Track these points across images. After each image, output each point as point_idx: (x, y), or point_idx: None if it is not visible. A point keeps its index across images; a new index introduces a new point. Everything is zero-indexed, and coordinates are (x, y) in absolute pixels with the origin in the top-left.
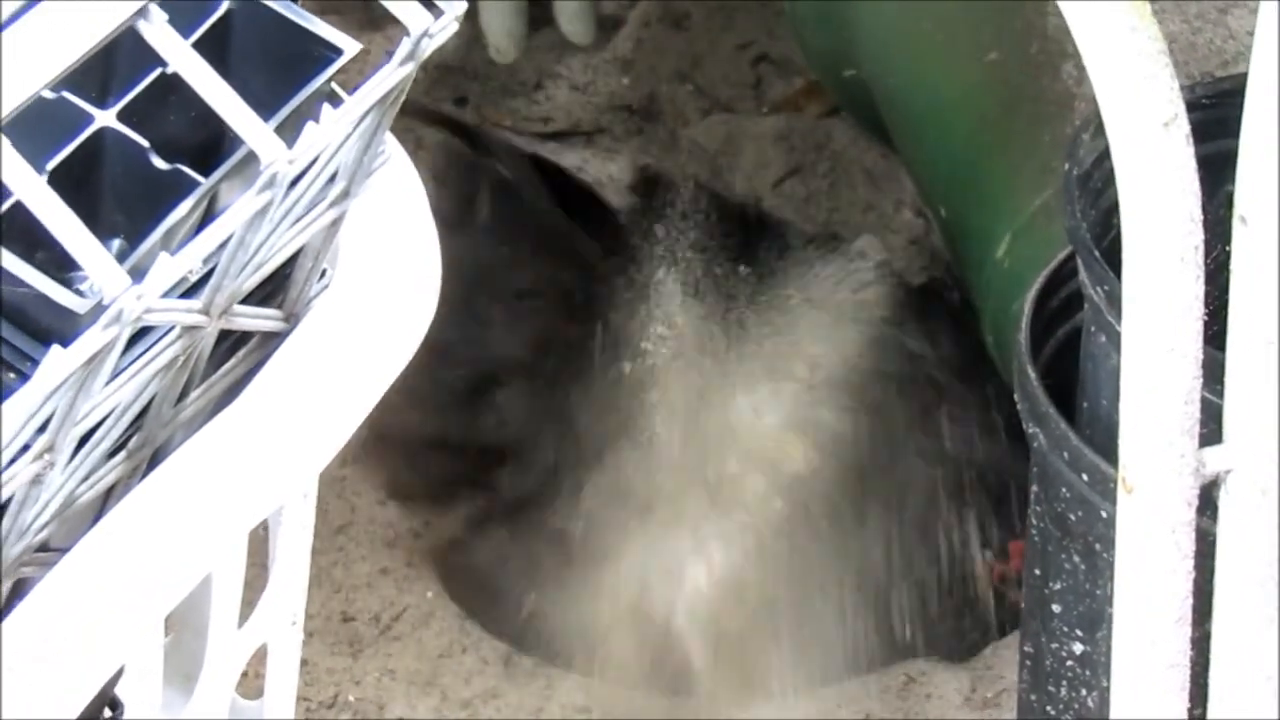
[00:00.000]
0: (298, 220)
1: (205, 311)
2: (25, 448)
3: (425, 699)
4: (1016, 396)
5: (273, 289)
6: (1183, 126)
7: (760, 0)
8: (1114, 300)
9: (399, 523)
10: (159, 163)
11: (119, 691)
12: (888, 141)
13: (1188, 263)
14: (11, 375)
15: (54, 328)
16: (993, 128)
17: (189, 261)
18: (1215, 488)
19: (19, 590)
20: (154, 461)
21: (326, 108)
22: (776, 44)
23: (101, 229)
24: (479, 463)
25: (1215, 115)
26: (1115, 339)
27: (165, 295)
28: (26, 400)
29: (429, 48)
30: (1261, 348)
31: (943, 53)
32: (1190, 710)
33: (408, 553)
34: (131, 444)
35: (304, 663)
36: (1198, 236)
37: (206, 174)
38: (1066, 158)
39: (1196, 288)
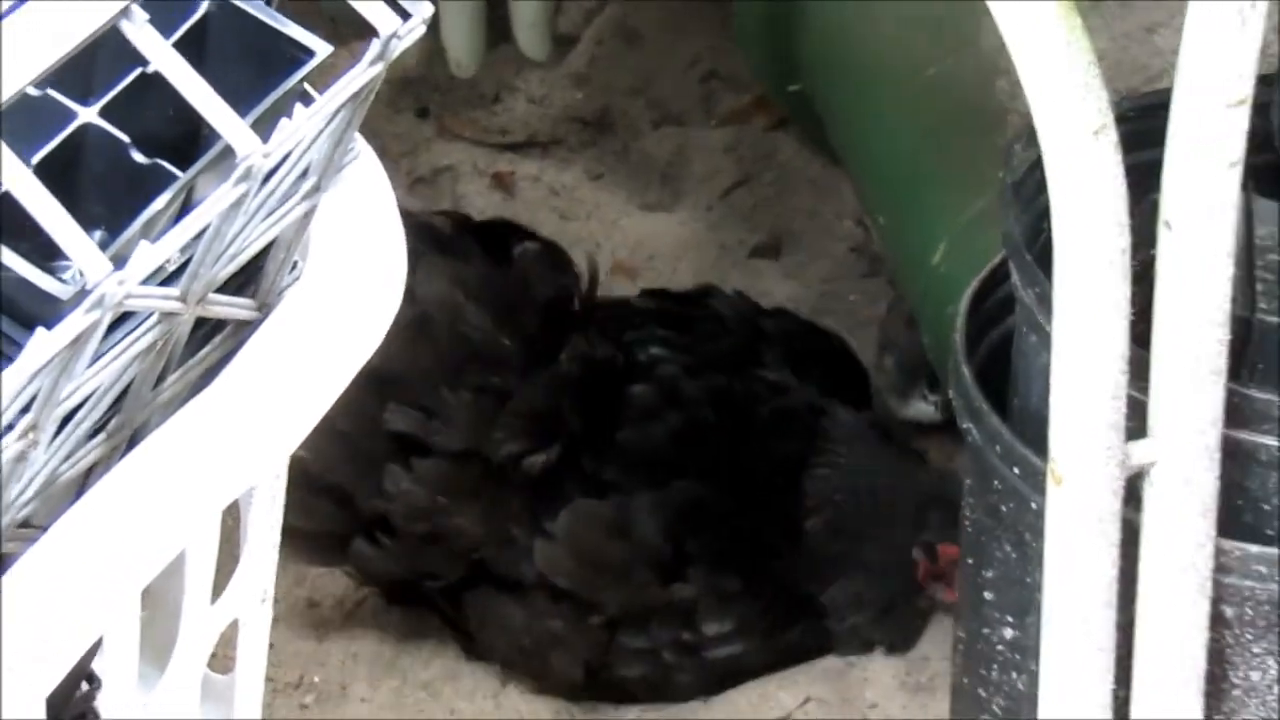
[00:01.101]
0: (271, 213)
1: (183, 299)
2: (9, 427)
3: (387, 680)
4: (952, 394)
5: (246, 279)
6: (1111, 136)
7: (709, 18)
8: (1045, 301)
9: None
10: (139, 157)
11: (95, 667)
12: (831, 153)
13: (1115, 265)
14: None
15: (38, 313)
16: (930, 140)
17: (167, 250)
18: (1140, 480)
19: (2, 563)
20: (132, 442)
21: (299, 106)
22: (725, 60)
23: (84, 220)
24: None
25: (1141, 127)
26: (1045, 338)
27: (145, 282)
28: (11, 381)
29: (397, 49)
30: (1184, 347)
31: (884, 68)
32: (1115, 691)
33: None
34: (111, 425)
35: (271, 646)
36: (1125, 240)
37: (184, 168)
38: (1001, 166)
39: (1123, 289)
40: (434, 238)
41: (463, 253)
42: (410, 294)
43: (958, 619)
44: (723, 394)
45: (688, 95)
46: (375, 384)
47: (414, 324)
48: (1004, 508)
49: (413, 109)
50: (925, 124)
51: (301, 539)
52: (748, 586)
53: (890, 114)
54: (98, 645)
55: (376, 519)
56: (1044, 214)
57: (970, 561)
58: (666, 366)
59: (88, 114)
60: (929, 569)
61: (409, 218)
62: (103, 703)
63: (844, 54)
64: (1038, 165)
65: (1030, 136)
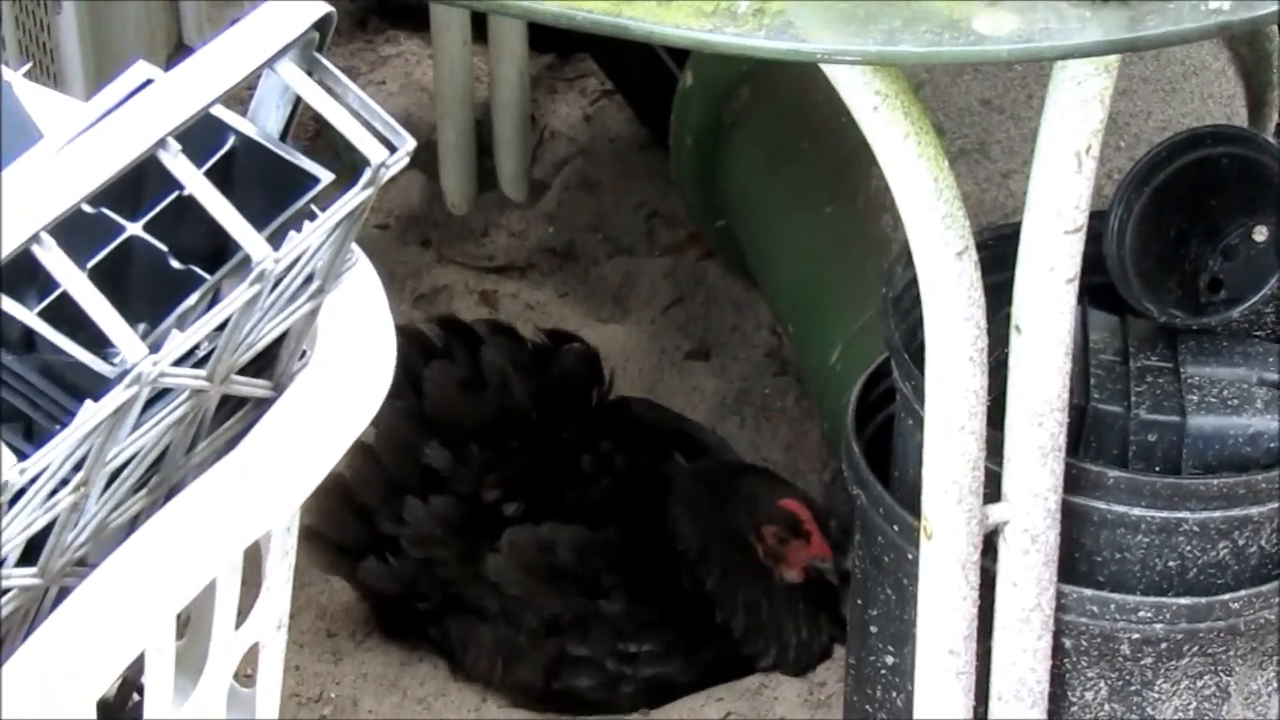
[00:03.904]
0: (282, 310)
1: (209, 378)
2: (64, 482)
3: (390, 696)
4: (844, 466)
5: (264, 364)
6: (972, 256)
7: (653, 169)
8: (918, 392)
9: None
10: (175, 264)
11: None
12: (750, 277)
13: (975, 361)
14: (58, 428)
15: (89, 389)
16: (828, 263)
17: (194, 337)
18: (995, 535)
19: (60, 596)
20: (169, 496)
21: (306, 222)
22: (665, 203)
23: (130, 314)
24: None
25: (997, 253)
26: (919, 422)
27: (177, 364)
28: (65, 442)
29: (385, 175)
30: (1031, 429)
31: (789, 206)
32: (975, 709)
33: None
34: (152, 482)
35: (296, 667)
36: (983, 341)
37: (212, 274)
38: (884, 283)
39: (981, 380)
40: (493, 328)
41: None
42: (471, 357)
43: (849, 649)
44: (642, 467)
45: (635, 231)
46: (419, 424)
47: (467, 382)
48: (885, 558)
49: (417, 241)
50: (824, 250)
51: (323, 545)
52: (664, 615)
53: (795, 243)
54: (142, 659)
55: (389, 541)
56: (918, 323)
57: (859, 602)
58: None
59: (134, 228)
60: (766, 549)
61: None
62: (146, 710)
63: (758, 196)
64: (913, 283)
65: (907, 260)
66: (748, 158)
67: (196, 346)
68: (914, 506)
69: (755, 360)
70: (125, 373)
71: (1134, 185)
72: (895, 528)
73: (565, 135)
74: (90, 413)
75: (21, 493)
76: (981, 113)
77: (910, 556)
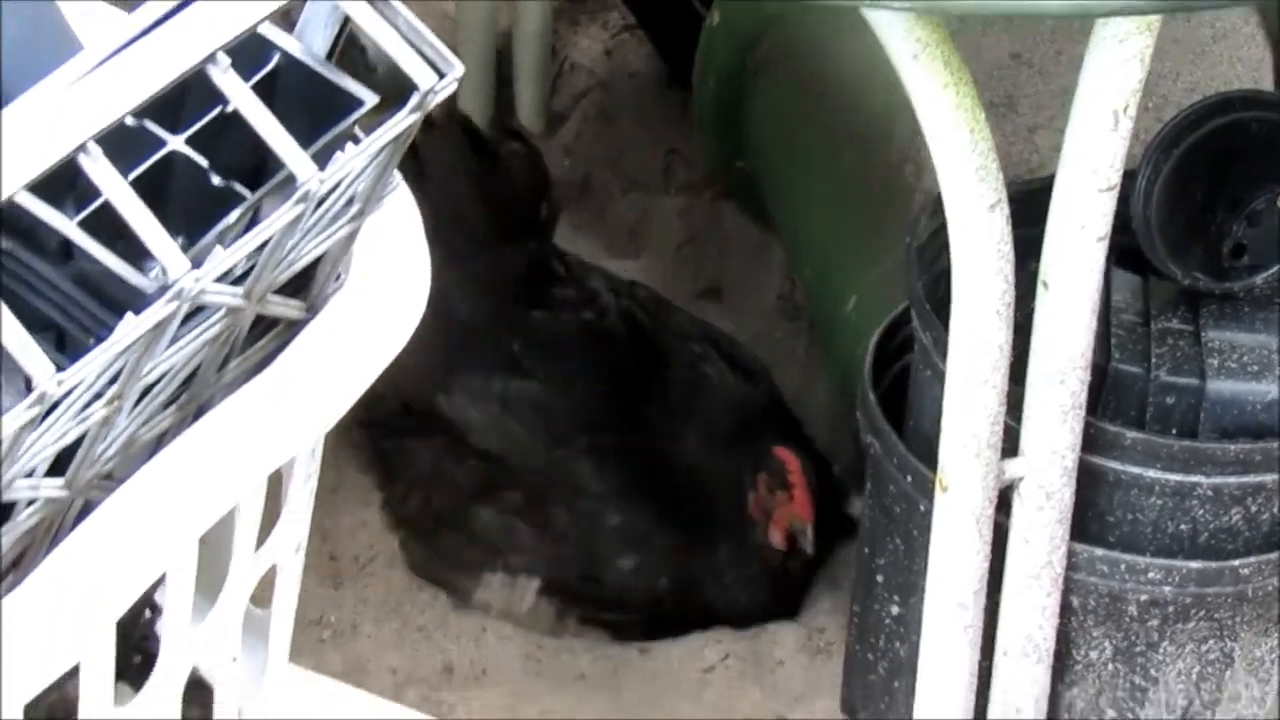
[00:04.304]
0: (322, 232)
1: (246, 297)
2: (98, 395)
3: (390, 623)
4: (859, 415)
5: (299, 285)
6: (1004, 210)
7: (671, 106)
8: (938, 344)
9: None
10: (216, 180)
11: (157, 598)
12: (765, 222)
13: (1001, 316)
14: (91, 339)
15: (126, 302)
16: (847, 211)
17: (237, 255)
18: (1010, 491)
19: (86, 509)
20: (198, 414)
21: (349, 144)
22: (683, 142)
23: (168, 229)
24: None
25: (1022, 208)
26: (937, 374)
27: (217, 282)
28: (104, 355)
29: (433, 101)
30: (1053, 386)
31: (811, 152)
32: (980, 661)
33: (382, 512)
34: (182, 399)
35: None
36: (1010, 296)
37: (253, 192)
38: (908, 233)
39: (1007, 335)
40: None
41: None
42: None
43: (853, 597)
44: (637, 321)
45: (652, 168)
46: None
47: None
48: (896, 508)
49: None
50: (845, 198)
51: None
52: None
53: (816, 189)
54: (160, 581)
55: None
56: (940, 275)
57: (866, 551)
58: (597, 283)
59: (176, 142)
60: (758, 500)
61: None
62: (161, 627)
63: (780, 140)
64: (937, 234)
65: (933, 211)
66: (771, 102)
67: (233, 265)
68: (928, 458)
69: (767, 305)
70: (167, 287)
71: (1162, 147)
72: (908, 478)
73: (585, 68)
74: (130, 326)
75: (56, 404)
76: (1010, 66)
77: (922, 508)
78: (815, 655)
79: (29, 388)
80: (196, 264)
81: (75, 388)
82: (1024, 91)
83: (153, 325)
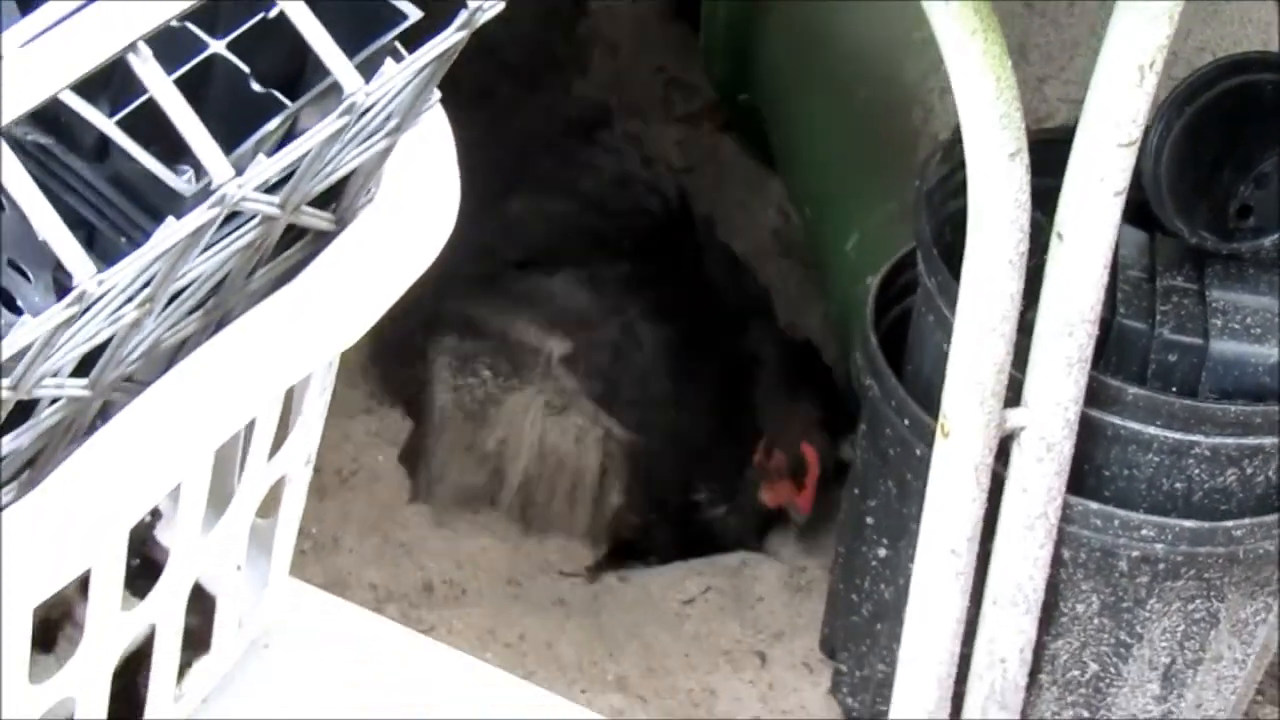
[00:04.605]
0: (360, 145)
1: (282, 206)
2: (130, 298)
3: (371, 538)
4: (858, 355)
5: (329, 198)
6: (1024, 159)
7: (672, 37)
8: (943, 289)
9: (362, 401)
10: (256, 87)
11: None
12: (763, 156)
13: (1014, 265)
14: (123, 240)
15: (159, 205)
16: (854, 150)
17: (281, 164)
18: (1010, 440)
19: (104, 411)
20: (221, 322)
21: (390, 60)
22: (683, 71)
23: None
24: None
25: (1032, 159)
26: (940, 319)
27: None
28: (144, 258)
29: (481, 19)
30: (1061, 338)
31: (821, 89)
32: (967, 609)
33: (367, 423)
34: (208, 305)
35: None
36: (1025, 245)
37: (292, 100)
38: (917, 177)
39: (1018, 284)
40: None
41: None
42: None
43: (839, 538)
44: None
45: (651, 96)
46: None
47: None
48: (891, 451)
49: None
50: (852, 137)
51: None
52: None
53: (824, 126)
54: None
55: None
56: (947, 219)
57: (857, 492)
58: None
59: (217, 46)
60: (763, 464)
61: None
62: (161, 532)
63: (792, 74)
64: (947, 179)
65: (944, 154)
66: (781, 36)
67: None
68: (925, 402)
69: (761, 238)
70: (210, 192)
71: (1175, 105)
72: (906, 422)
73: None
74: (172, 230)
75: (90, 304)
76: (1024, 15)
77: (918, 452)
78: (796, 593)
79: (58, 285)
80: (239, 171)
81: (111, 289)
82: (1035, 41)
83: (193, 230)
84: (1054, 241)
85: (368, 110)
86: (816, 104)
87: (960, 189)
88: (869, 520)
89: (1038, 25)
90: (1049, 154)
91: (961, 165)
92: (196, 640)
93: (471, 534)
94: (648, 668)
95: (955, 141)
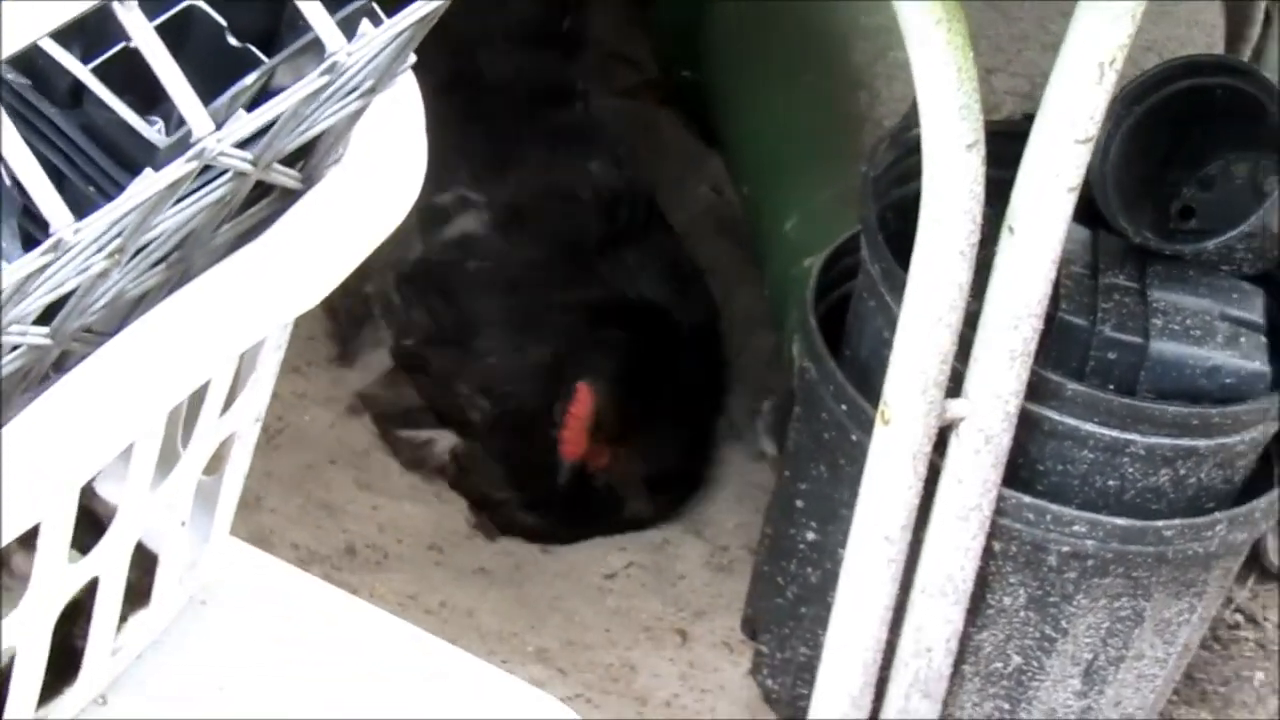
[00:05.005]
0: (335, 104)
1: (254, 163)
2: (101, 248)
3: (294, 498)
4: (798, 337)
5: (296, 156)
6: (981, 150)
7: (615, 10)
8: (886, 276)
9: (291, 360)
10: (233, 41)
11: None
12: (703, 134)
13: (965, 256)
14: (91, 189)
15: (131, 155)
16: (797, 132)
17: (260, 120)
18: (948, 430)
19: (60, 362)
20: (182, 278)
21: (367, 21)
22: (626, 44)
23: None
24: None
25: None
26: (881, 305)
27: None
28: (119, 209)
29: None
30: (1006, 330)
31: (767, 70)
32: (896, 595)
33: (295, 382)
34: (172, 258)
35: None
36: (976, 237)
37: (269, 57)
38: (865, 163)
39: (968, 275)
40: None
41: None
42: None
43: (767, 518)
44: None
45: (593, 68)
46: None
47: None
48: (826, 435)
49: None
50: (796, 119)
51: None
52: None
53: (768, 107)
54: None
55: None
56: (891, 206)
57: (787, 474)
58: None
59: None
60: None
61: None
62: (101, 485)
63: (738, 54)
64: (893, 165)
65: (892, 141)
66: (732, 14)
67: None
68: (862, 387)
69: (694, 215)
70: (186, 145)
71: (1125, 102)
72: (843, 407)
73: None
74: (148, 181)
75: (64, 253)
76: (975, 7)
77: (853, 437)
78: (718, 572)
79: (27, 235)
80: (217, 125)
81: (84, 239)
82: (984, 33)
83: (170, 183)
84: (1004, 234)
85: (344, 71)
86: (762, 85)
87: (906, 176)
88: (799, 503)
89: (988, 18)
90: (994, 146)
91: (909, 153)
92: (133, 594)
93: (395, 498)
94: (568, 640)
95: (904, 129)
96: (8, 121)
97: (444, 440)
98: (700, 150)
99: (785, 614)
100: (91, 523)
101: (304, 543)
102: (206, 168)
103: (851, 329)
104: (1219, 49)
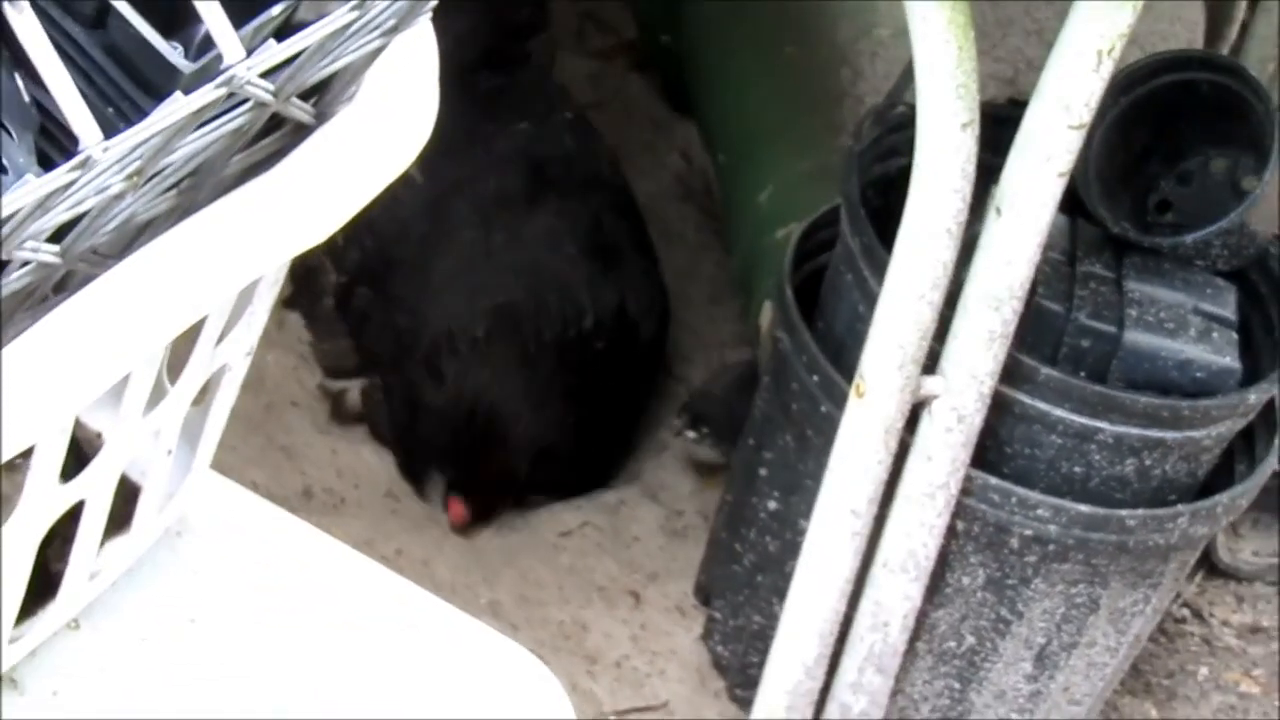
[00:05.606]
0: (356, 40)
1: (276, 94)
2: (121, 170)
3: (254, 438)
4: (774, 306)
5: (311, 91)
6: (975, 131)
7: None
8: (867, 251)
9: None
10: None
11: None
12: (673, 100)
13: (952, 234)
14: (110, 110)
15: (154, 80)
16: (777, 104)
17: (290, 50)
18: (921, 408)
19: (63, 284)
20: (189, 207)
21: None
22: (599, 7)
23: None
24: None
25: None
26: (859, 280)
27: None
28: (146, 131)
29: None
30: (987, 311)
31: (749, 40)
32: (857, 569)
33: None
34: (184, 185)
35: None
36: (964, 216)
37: None
38: (851, 137)
39: (953, 254)
40: None
41: None
42: None
43: (728, 486)
44: None
45: (565, 28)
46: None
47: None
48: (795, 405)
49: None
50: (776, 91)
51: None
52: None
53: (748, 78)
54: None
55: None
56: (874, 181)
57: (752, 442)
58: None
59: None
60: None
61: None
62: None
63: (719, 22)
64: (878, 141)
65: (877, 118)
66: None
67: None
68: (837, 361)
69: (662, 181)
70: (218, 71)
71: (1111, 93)
72: (815, 378)
73: None
74: (177, 105)
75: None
76: None
77: (823, 409)
78: (672, 536)
79: (44, 154)
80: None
81: (112, 159)
82: None
83: (197, 108)
84: (991, 216)
85: (372, 7)
86: (743, 55)
87: (889, 153)
88: (762, 472)
89: (974, 3)
90: (984, 129)
91: (892, 130)
92: (111, 522)
93: (353, 443)
94: (521, 596)
95: (890, 105)
96: (44, 38)
97: (356, 388)
98: (670, 116)
99: (741, 581)
100: (72, 448)
101: (262, 483)
102: (229, 95)
103: (826, 302)
104: (1201, 44)
